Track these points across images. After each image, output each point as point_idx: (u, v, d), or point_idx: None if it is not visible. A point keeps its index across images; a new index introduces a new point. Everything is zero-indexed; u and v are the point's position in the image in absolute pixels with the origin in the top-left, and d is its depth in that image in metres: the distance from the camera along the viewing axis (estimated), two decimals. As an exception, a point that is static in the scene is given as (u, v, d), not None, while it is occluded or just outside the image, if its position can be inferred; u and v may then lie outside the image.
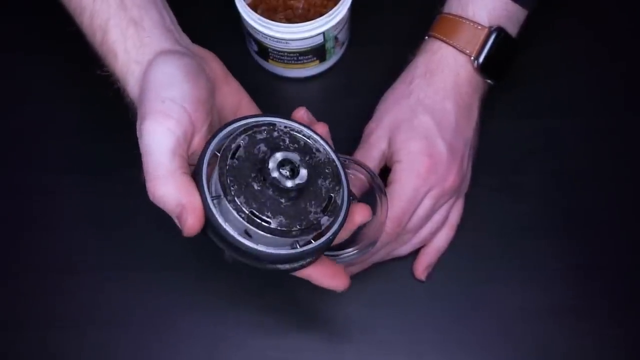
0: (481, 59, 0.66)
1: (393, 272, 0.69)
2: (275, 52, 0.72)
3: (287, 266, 0.52)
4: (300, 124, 0.54)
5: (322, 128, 0.57)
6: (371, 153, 0.66)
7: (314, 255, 0.52)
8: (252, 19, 0.69)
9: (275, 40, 0.70)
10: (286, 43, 0.70)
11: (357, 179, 0.63)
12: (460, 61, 0.66)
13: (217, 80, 0.58)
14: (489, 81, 0.68)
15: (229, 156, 0.50)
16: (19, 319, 0.68)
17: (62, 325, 0.68)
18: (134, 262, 0.69)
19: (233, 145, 0.50)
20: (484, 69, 0.66)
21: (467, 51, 0.66)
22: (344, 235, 0.56)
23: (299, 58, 0.72)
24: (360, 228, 0.62)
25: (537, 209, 0.70)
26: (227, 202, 0.49)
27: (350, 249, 0.61)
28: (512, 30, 0.67)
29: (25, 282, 0.69)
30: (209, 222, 0.50)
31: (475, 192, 0.69)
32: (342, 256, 0.62)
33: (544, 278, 0.68)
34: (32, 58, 0.76)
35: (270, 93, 0.76)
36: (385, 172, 0.66)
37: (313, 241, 0.51)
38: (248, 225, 0.49)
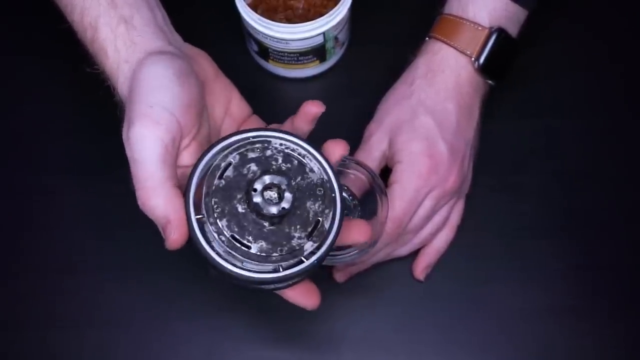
0: (482, 60, 0.65)
1: (393, 272, 0.69)
2: (276, 52, 0.72)
3: (271, 287, 0.52)
4: (299, 138, 0.53)
5: (342, 148, 0.55)
6: (372, 154, 0.66)
7: (297, 278, 0.52)
8: (252, 19, 0.69)
9: (276, 40, 0.70)
10: (286, 43, 0.70)
11: (358, 179, 0.63)
12: (461, 62, 0.66)
13: (207, 79, 0.58)
14: (489, 82, 0.68)
15: (217, 176, 0.50)
16: (19, 319, 0.68)
17: (62, 325, 0.68)
18: (133, 263, 0.69)
19: (223, 164, 0.50)
20: (484, 70, 0.66)
21: (468, 52, 0.65)
22: (340, 243, 0.55)
23: (299, 58, 0.72)
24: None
25: (538, 209, 0.70)
26: (209, 225, 0.49)
27: (351, 249, 0.61)
28: (513, 30, 0.67)
29: (25, 282, 0.69)
30: (192, 242, 0.50)
31: (475, 192, 0.69)
32: (342, 256, 0.62)
33: (544, 278, 0.68)
34: (33, 58, 0.76)
35: (270, 93, 0.76)
36: (386, 172, 0.66)
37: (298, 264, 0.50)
38: (228, 249, 0.49)
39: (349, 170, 0.64)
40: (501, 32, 0.66)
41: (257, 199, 0.49)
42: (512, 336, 0.67)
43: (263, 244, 0.49)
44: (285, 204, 0.49)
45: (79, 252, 0.70)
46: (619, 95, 0.75)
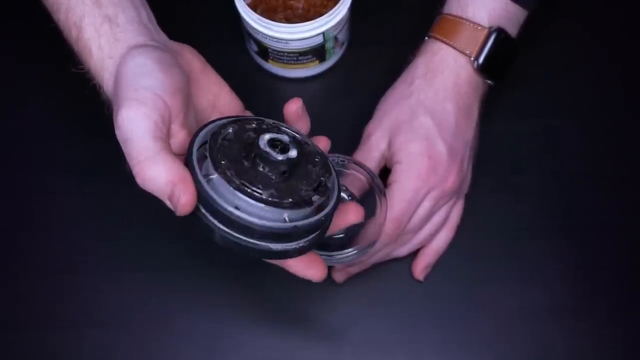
0: (481, 60, 0.65)
1: (393, 272, 0.69)
2: (275, 52, 0.72)
3: (279, 247, 0.50)
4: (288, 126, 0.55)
5: (324, 143, 0.57)
6: (371, 154, 0.66)
7: (306, 236, 0.51)
8: (252, 19, 0.69)
9: (275, 40, 0.70)
10: (286, 43, 0.70)
11: (357, 180, 0.63)
12: (460, 62, 0.66)
13: (193, 72, 0.58)
14: (489, 82, 0.67)
15: (219, 138, 0.50)
16: (19, 319, 0.68)
17: (62, 325, 0.68)
18: (133, 263, 0.69)
19: (223, 130, 0.51)
20: (484, 70, 0.66)
21: (467, 52, 0.65)
22: (334, 229, 0.55)
23: (299, 58, 0.72)
24: (360, 229, 0.63)
25: (537, 209, 0.70)
26: (218, 176, 0.48)
27: (350, 249, 0.61)
28: (512, 30, 0.67)
29: (25, 282, 0.69)
30: (200, 198, 0.49)
31: (474, 192, 0.69)
32: (341, 256, 0.62)
33: (544, 278, 0.68)
34: (33, 58, 0.76)
35: (270, 93, 0.76)
36: (385, 173, 0.66)
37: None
38: (239, 194, 0.48)
39: (347, 171, 0.64)
40: (500, 32, 0.66)
41: (265, 147, 0.49)
42: (511, 336, 0.67)
43: (273, 191, 0.49)
44: (292, 154, 0.50)
45: (79, 252, 0.70)
46: (618, 95, 0.75)
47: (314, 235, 0.52)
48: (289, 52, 0.71)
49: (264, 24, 0.69)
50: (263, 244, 0.50)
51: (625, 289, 0.68)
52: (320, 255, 0.60)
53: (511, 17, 0.66)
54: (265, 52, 0.73)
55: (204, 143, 0.51)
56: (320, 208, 0.51)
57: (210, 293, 0.68)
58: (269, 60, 0.74)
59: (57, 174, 0.72)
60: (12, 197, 0.72)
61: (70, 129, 0.74)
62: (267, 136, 0.50)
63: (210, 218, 0.49)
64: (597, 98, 0.75)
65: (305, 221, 0.50)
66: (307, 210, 0.50)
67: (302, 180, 0.51)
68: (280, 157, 0.49)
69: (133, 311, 0.68)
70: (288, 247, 0.51)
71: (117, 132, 0.51)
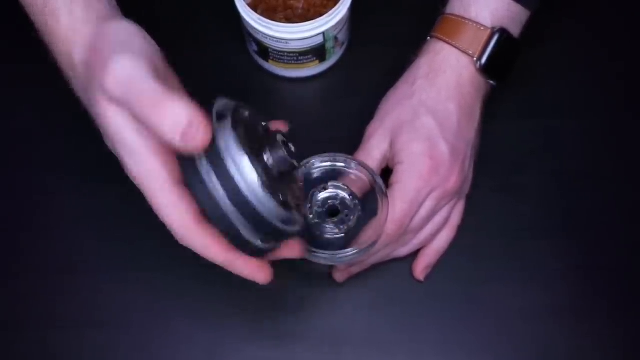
0: (484, 60, 0.65)
1: (393, 272, 0.69)
2: (275, 52, 0.72)
3: (246, 233, 0.51)
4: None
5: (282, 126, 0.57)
6: (373, 154, 0.66)
7: (271, 237, 0.52)
8: (252, 19, 0.69)
9: (275, 40, 0.70)
10: (286, 43, 0.70)
11: (359, 180, 0.63)
12: (462, 62, 0.66)
13: None
14: (491, 82, 0.67)
15: (239, 117, 0.50)
16: (19, 319, 0.68)
17: (62, 325, 0.68)
18: (133, 263, 0.69)
19: (241, 110, 0.51)
20: (486, 70, 0.66)
21: (470, 52, 0.65)
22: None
23: (299, 58, 0.72)
24: (361, 228, 0.63)
25: (537, 210, 0.70)
26: (230, 128, 0.48)
27: (350, 249, 0.61)
28: (515, 31, 0.67)
29: (25, 282, 0.69)
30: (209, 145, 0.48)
31: (476, 192, 0.69)
32: (341, 256, 0.62)
33: (544, 278, 0.68)
34: (33, 58, 0.76)
35: (270, 93, 0.76)
36: (387, 173, 0.66)
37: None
38: (245, 155, 0.48)
39: (350, 171, 0.63)
40: (503, 33, 0.66)
41: (280, 140, 0.51)
42: (512, 336, 0.67)
43: (271, 183, 0.50)
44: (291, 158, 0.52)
45: (79, 252, 0.70)
46: (618, 95, 0.75)
47: (274, 243, 0.53)
48: (289, 52, 0.71)
49: (264, 24, 0.69)
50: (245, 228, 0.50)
51: (626, 289, 0.68)
52: (321, 255, 0.61)
53: (514, 18, 0.66)
54: (265, 52, 0.73)
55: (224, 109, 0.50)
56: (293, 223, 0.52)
57: (210, 293, 0.68)
58: (269, 60, 0.74)
59: (57, 174, 0.72)
60: (12, 197, 0.72)
61: (70, 129, 0.74)
62: (279, 137, 0.51)
63: (214, 170, 0.48)
64: (597, 98, 0.75)
65: (282, 226, 0.50)
66: (287, 214, 0.51)
67: (289, 190, 0.53)
68: (289, 158, 0.51)
69: (133, 311, 0.68)
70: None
71: (112, 87, 0.48)
